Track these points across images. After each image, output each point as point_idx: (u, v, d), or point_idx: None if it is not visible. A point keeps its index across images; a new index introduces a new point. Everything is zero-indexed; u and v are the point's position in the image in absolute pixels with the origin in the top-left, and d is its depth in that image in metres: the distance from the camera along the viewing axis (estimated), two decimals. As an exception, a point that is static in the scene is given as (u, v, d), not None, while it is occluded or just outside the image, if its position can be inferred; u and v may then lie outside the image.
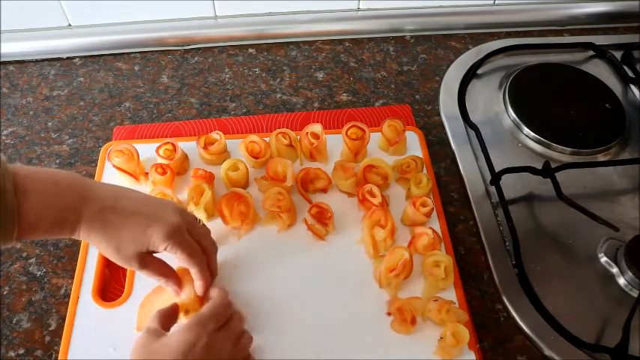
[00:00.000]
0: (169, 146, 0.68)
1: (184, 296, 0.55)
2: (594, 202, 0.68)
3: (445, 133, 0.76)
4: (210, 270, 0.57)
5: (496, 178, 0.68)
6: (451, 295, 0.60)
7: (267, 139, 0.70)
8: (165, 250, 0.51)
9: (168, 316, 0.53)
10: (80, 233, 0.49)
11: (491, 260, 0.63)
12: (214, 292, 0.55)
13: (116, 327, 0.56)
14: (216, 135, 0.69)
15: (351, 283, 0.61)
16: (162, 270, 0.55)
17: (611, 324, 0.59)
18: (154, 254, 0.54)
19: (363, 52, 0.88)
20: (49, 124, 0.77)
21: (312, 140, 0.69)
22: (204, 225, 0.59)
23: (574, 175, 0.70)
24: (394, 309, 0.57)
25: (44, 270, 0.63)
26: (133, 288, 0.60)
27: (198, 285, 0.55)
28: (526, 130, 0.75)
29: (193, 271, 0.54)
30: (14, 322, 0.59)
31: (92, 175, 0.70)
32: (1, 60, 0.85)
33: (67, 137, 0.76)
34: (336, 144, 0.72)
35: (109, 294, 0.60)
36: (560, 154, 0.74)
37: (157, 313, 0.53)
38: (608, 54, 0.86)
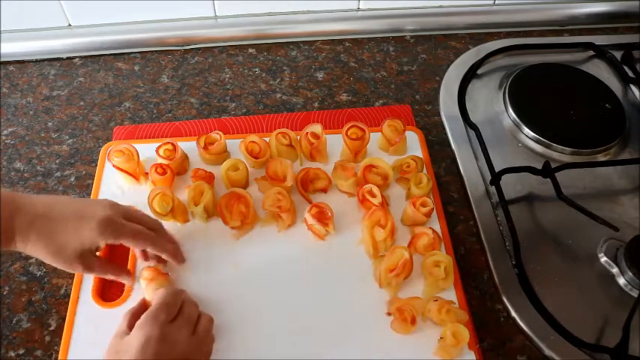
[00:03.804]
0: (169, 146, 0.68)
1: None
2: (594, 202, 0.68)
3: (445, 133, 0.76)
4: (168, 240, 0.59)
5: (496, 178, 0.68)
6: (451, 295, 0.60)
7: (267, 139, 0.70)
8: (108, 242, 0.53)
9: (137, 315, 0.52)
10: (17, 244, 0.51)
11: (491, 260, 0.63)
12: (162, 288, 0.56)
13: (116, 327, 0.56)
14: (216, 135, 0.69)
15: (351, 283, 0.61)
16: (109, 269, 0.56)
17: (611, 324, 0.59)
18: (98, 253, 0.56)
19: (363, 52, 0.88)
20: (49, 124, 0.77)
21: (312, 140, 0.69)
22: (142, 213, 0.60)
23: (574, 175, 0.70)
24: (394, 309, 0.57)
25: (44, 270, 0.63)
26: (133, 288, 0.60)
27: (166, 257, 0.58)
28: (526, 130, 0.75)
29: (150, 249, 0.56)
30: (14, 322, 0.59)
31: (92, 175, 0.70)
32: (1, 60, 0.85)
33: (67, 137, 0.76)
34: (336, 144, 0.72)
35: (109, 294, 0.60)
36: (560, 154, 0.74)
37: (125, 313, 0.54)
38: (608, 54, 0.86)
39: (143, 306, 0.54)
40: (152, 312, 0.51)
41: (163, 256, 0.58)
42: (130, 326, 0.51)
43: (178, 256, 0.60)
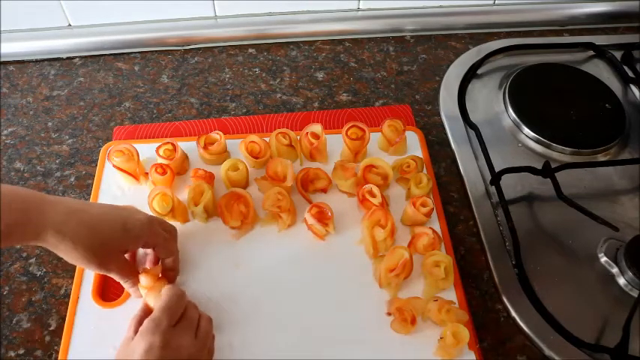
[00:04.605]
0: (169, 146, 0.68)
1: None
2: (594, 202, 0.68)
3: (445, 133, 0.76)
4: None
5: (496, 178, 0.68)
6: (451, 295, 0.60)
7: (267, 139, 0.70)
8: (144, 241, 0.54)
9: (142, 321, 0.51)
10: (48, 236, 0.48)
11: (491, 260, 0.63)
12: (164, 290, 0.55)
13: (116, 327, 0.56)
14: (216, 135, 0.69)
15: (351, 283, 0.61)
16: (133, 275, 0.56)
17: (611, 324, 0.59)
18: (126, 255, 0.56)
19: (363, 52, 0.88)
20: (49, 124, 0.77)
21: (312, 140, 0.69)
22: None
23: (574, 175, 0.70)
24: (394, 309, 0.57)
25: (44, 270, 0.63)
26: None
27: (167, 272, 0.59)
28: (526, 130, 0.75)
29: (170, 260, 0.58)
30: (14, 322, 0.59)
31: (92, 175, 0.70)
32: (1, 60, 0.85)
33: (67, 137, 0.76)
34: (336, 144, 0.72)
35: (109, 294, 0.60)
36: (560, 154, 0.74)
37: (131, 319, 0.53)
38: (608, 54, 0.86)
39: (147, 310, 0.54)
40: (154, 318, 0.50)
41: (166, 271, 0.59)
42: (136, 332, 0.50)
43: (174, 278, 0.61)
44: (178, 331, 0.50)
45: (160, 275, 0.57)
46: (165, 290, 0.54)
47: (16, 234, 0.48)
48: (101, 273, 0.55)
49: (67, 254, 0.50)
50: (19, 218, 0.47)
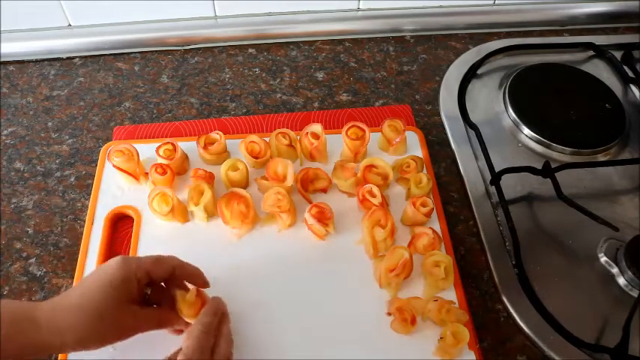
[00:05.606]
0: (169, 146, 0.68)
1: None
2: (594, 202, 0.68)
3: (445, 133, 0.76)
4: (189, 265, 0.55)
5: (496, 178, 0.68)
6: (451, 295, 0.60)
7: (267, 139, 0.70)
8: (137, 278, 0.50)
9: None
10: (51, 340, 0.45)
11: (491, 260, 0.63)
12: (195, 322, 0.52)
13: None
14: (216, 135, 0.69)
15: (351, 283, 0.61)
16: (164, 315, 0.52)
17: (611, 324, 0.59)
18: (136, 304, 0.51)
19: (363, 52, 0.88)
20: (49, 124, 0.77)
21: (312, 140, 0.69)
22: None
23: (574, 175, 0.70)
24: (394, 309, 0.57)
25: (44, 270, 0.63)
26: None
27: (192, 281, 0.54)
28: (526, 130, 0.75)
29: (177, 272, 0.53)
30: (14, 322, 0.59)
31: (92, 175, 0.70)
32: (1, 60, 0.85)
33: (67, 137, 0.76)
34: (336, 144, 0.72)
35: (109, 294, 0.60)
36: (560, 154, 0.74)
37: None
38: (608, 54, 0.87)
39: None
40: (186, 355, 0.48)
41: (189, 282, 0.54)
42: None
43: (203, 277, 0.55)
44: None
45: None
46: (202, 315, 0.51)
47: (15, 347, 0.45)
48: (131, 336, 0.50)
49: (79, 344, 0.47)
50: (11, 330, 0.45)
